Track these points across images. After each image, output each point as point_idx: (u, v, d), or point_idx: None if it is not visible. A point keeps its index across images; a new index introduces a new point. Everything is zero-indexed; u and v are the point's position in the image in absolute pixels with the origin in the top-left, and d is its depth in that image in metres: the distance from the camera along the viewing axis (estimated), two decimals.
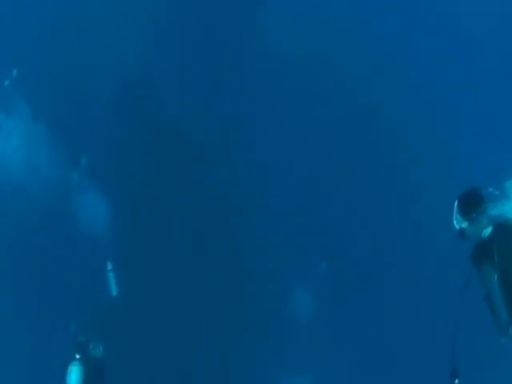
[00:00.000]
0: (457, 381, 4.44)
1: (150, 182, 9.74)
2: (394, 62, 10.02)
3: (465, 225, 4.63)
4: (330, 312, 8.99)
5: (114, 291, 8.97)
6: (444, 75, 9.86)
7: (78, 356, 7.26)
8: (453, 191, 4.76)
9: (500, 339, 4.35)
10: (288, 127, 10.00)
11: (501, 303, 4.33)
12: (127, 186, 9.62)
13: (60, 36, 9.83)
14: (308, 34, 9.96)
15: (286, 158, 9.94)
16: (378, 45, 10.02)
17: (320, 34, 9.89)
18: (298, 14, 10.28)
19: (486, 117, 9.66)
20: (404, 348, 8.85)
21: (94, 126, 9.67)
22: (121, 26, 9.78)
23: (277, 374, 8.65)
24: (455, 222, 4.67)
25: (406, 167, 9.89)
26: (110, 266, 9.05)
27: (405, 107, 9.98)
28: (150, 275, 9.29)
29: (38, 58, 9.66)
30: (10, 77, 9.31)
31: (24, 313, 8.96)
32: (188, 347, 9.07)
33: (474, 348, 6.24)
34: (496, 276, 4.41)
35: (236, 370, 9.03)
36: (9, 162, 9.10)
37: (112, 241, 9.12)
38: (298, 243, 9.51)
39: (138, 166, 9.80)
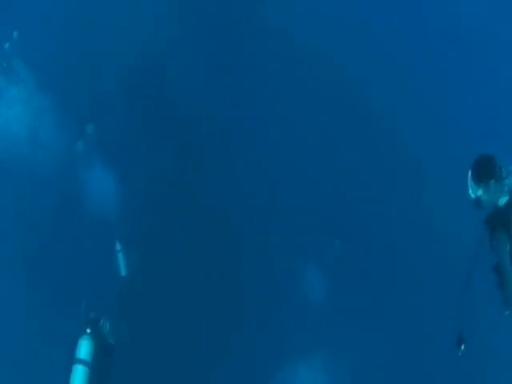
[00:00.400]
0: (463, 347, 4.61)
1: (162, 158, 9.89)
2: (396, 61, 10.14)
3: (480, 192, 4.73)
4: (343, 293, 9.15)
5: (123, 272, 9.21)
6: (444, 74, 9.96)
7: (88, 331, 7.45)
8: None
9: (505, 311, 4.50)
10: (300, 115, 10.15)
11: (510, 273, 4.46)
12: (138, 163, 9.79)
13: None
14: (308, 34, 10.12)
15: (300, 143, 10.10)
16: (379, 44, 10.17)
17: (320, 34, 10.03)
18: (298, 13, 10.41)
19: (486, 116, 9.74)
20: (422, 330, 9.03)
21: (102, 97, 9.83)
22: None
23: (286, 357, 8.81)
24: (470, 191, 4.77)
25: (421, 150, 10.03)
26: (118, 247, 9.30)
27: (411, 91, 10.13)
28: (159, 255, 9.50)
29: (44, 20, 9.72)
30: (11, 40, 9.22)
31: (31, 291, 9.21)
32: (198, 329, 9.32)
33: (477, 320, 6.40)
34: (509, 246, 4.52)
35: (243, 352, 9.23)
36: (11, 134, 9.10)
37: (121, 220, 9.31)
38: (310, 222, 9.68)
39: (150, 141, 9.94)
